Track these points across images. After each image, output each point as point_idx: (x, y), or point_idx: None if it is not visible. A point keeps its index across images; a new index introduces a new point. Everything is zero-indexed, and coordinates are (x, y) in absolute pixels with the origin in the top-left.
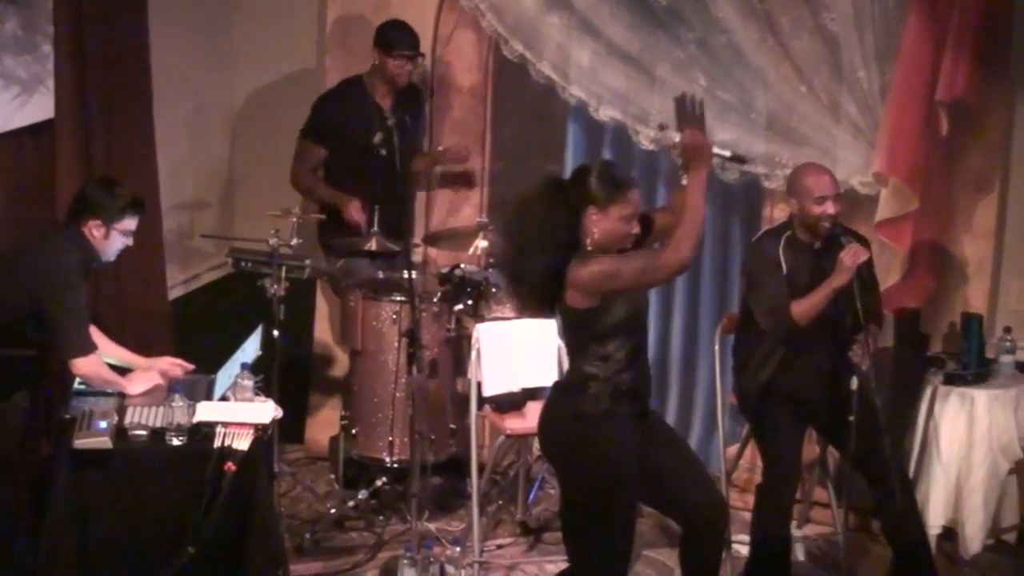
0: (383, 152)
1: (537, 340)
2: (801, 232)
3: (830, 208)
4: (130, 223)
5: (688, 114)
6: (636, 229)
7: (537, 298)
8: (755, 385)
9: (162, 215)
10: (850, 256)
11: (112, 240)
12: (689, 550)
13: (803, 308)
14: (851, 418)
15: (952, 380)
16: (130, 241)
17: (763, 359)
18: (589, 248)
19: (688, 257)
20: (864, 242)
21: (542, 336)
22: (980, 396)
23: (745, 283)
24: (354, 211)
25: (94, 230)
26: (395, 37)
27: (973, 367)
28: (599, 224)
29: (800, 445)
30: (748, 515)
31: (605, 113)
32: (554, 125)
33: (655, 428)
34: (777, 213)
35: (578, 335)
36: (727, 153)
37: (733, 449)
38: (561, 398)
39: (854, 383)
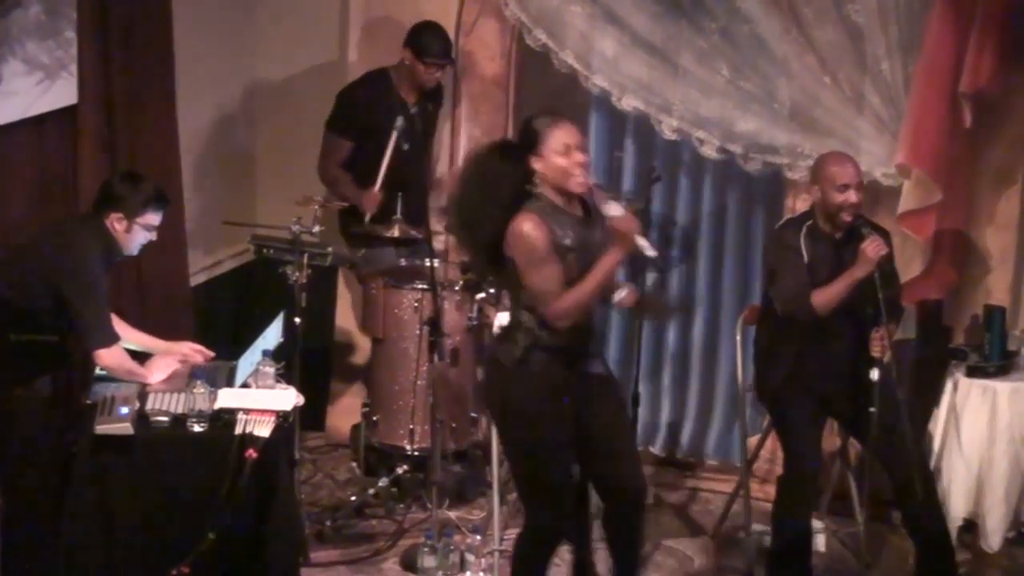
0: (404, 145)
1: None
2: (823, 222)
3: (852, 196)
4: (152, 218)
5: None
6: (579, 159)
7: (488, 253)
8: (774, 376)
9: (184, 201)
10: (872, 248)
11: (134, 234)
12: (610, 528)
13: (823, 298)
14: (872, 410)
15: (974, 372)
16: (153, 236)
17: (782, 350)
18: (538, 190)
19: (559, 318)
20: (884, 234)
21: None
22: (1002, 389)
23: (766, 272)
24: (368, 202)
25: (116, 223)
26: (428, 43)
27: (995, 359)
28: (539, 164)
29: (820, 436)
30: (768, 506)
31: (628, 103)
32: (577, 114)
33: (597, 392)
34: (800, 204)
35: (515, 277)
36: (652, 253)
37: (754, 440)
38: (491, 345)
39: (875, 374)
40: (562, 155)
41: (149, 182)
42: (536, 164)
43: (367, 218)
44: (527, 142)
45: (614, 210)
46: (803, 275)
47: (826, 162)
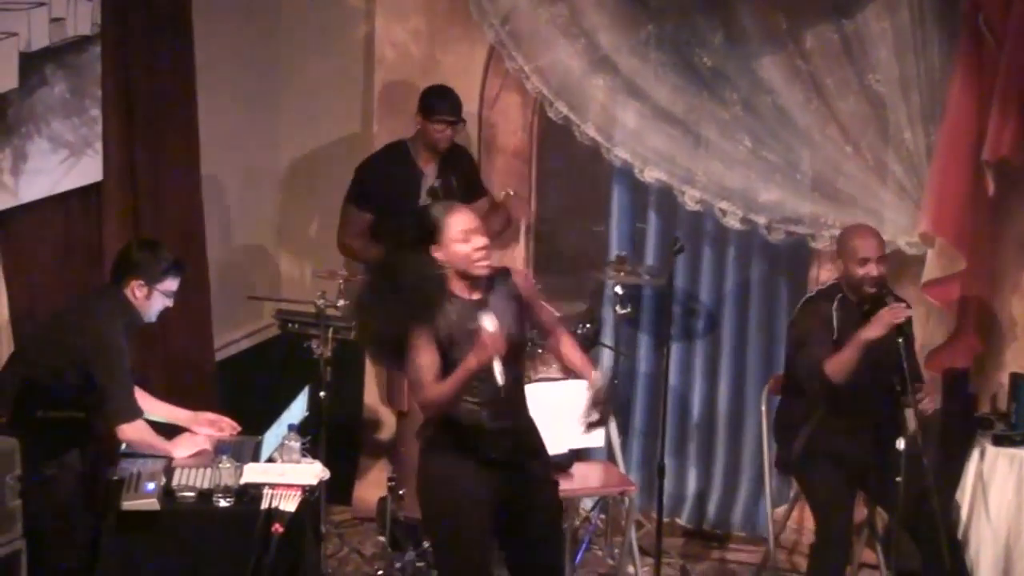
0: None
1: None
2: (849, 293)
3: (873, 270)
4: (171, 284)
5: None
6: (478, 244)
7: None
8: (794, 448)
9: (209, 277)
10: (891, 312)
11: (153, 301)
12: None
13: (834, 365)
14: (899, 479)
15: (1001, 441)
16: (170, 303)
17: (801, 420)
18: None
19: (424, 408)
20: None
21: None
22: None
23: (792, 343)
24: None
25: (136, 290)
26: (435, 102)
27: (1022, 428)
28: (439, 253)
29: (850, 505)
30: None
31: (650, 174)
32: (599, 186)
33: (527, 488)
34: (823, 274)
35: None
36: (500, 381)
37: (781, 510)
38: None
39: (901, 444)
40: (462, 242)
41: (167, 248)
42: (437, 254)
43: None
44: (427, 233)
45: (486, 322)
46: (827, 348)
47: (848, 236)
